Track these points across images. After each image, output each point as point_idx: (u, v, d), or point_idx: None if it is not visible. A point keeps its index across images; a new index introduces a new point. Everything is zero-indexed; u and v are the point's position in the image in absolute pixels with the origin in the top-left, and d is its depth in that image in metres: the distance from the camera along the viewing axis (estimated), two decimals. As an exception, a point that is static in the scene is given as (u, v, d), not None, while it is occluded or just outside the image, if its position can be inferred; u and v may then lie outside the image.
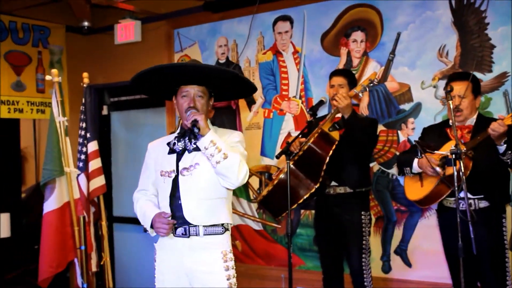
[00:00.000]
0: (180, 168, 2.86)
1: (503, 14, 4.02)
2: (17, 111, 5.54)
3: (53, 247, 4.48)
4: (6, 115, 5.45)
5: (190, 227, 2.83)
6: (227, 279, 2.84)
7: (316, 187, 3.67)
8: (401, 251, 4.46)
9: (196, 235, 2.83)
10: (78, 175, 4.64)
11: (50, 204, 4.51)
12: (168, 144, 2.96)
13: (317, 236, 4.17)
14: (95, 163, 4.67)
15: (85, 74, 4.75)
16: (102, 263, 4.78)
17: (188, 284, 2.89)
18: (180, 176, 2.86)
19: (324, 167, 3.65)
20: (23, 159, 5.95)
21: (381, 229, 4.54)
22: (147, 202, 3.00)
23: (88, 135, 4.69)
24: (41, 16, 5.76)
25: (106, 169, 5.48)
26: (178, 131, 3.01)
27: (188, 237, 2.84)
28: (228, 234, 2.93)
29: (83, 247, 4.55)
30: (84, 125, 4.71)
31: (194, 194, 2.84)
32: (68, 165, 4.55)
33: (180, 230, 2.84)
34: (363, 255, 3.87)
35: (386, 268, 4.52)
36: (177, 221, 2.83)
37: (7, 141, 5.57)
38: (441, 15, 4.27)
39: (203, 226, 2.83)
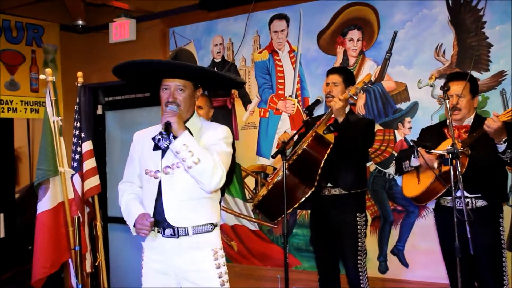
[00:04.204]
0: (162, 166, 2.80)
1: (501, 12, 4.04)
2: (10, 111, 5.54)
3: (47, 248, 4.45)
4: (0, 114, 5.45)
5: (179, 228, 2.78)
6: (219, 277, 2.81)
7: (312, 191, 3.64)
8: (398, 251, 4.46)
9: (185, 235, 2.79)
10: (73, 175, 4.59)
11: (44, 205, 4.46)
12: (153, 139, 2.82)
13: (313, 237, 4.17)
14: (90, 163, 4.62)
15: (79, 73, 4.71)
16: (96, 263, 4.74)
17: (177, 284, 2.86)
18: (162, 175, 2.80)
19: (319, 171, 3.62)
20: (17, 159, 5.95)
21: (377, 229, 4.55)
22: (132, 197, 2.95)
23: (82, 134, 4.65)
24: (35, 14, 5.77)
25: (101, 169, 5.42)
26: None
27: (177, 237, 2.79)
28: (217, 231, 2.90)
29: (77, 248, 4.51)
30: (78, 124, 4.66)
31: (175, 196, 2.79)
32: (62, 165, 4.51)
33: (168, 231, 2.80)
34: (359, 257, 3.85)
35: (383, 268, 4.53)
36: (163, 222, 2.79)
37: (1, 141, 5.57)
38: (438, 14, 4.28)
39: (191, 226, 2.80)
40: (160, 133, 2.79)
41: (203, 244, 2.81)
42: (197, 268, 2.80)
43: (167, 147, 2.79)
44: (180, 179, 2.77)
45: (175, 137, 2.67)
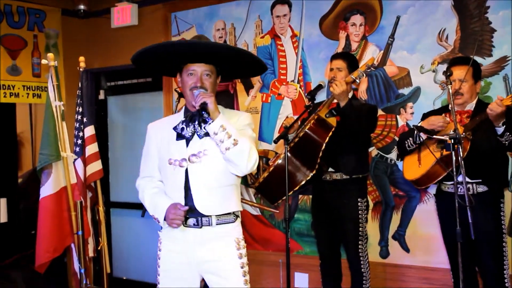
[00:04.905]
0: (188, 154, 2.74)
1: None
2: (13, 96, 5.55)
3: (50, 232, 4.51)
4: (2, 99, 5.46)
5: (203, 218, 2.74)
6: (241, 267, 2.78)
7: (313, 174, 3.64)
8: (399, 236, 4.48)
9: (209, 225, 2.75)
10: (75, 160, 4.64)
11: (47, 189, 4.53)
12: (175, 128, 2.80)
13: (314, 222, 4.20)
14: (92, 148, 4.67)
15: (81, 58, 4.75)
16: (99, 248, 4.81)
17: (198, 275, 2.81)
18: (189, 164, 2.74)
19: (321, 154, 3.62)
20: (19, 144, 5.99)
21: (379, 214, 4.56)
22: (156, 191, 2.88)
23: (84, 119, 4.68)
24: None
25: (103, 154, 5.51)
26: (182, 113, 2.88)
27: (200, 227, 2.74)
28: (239, 221, 2.87)
29: (80, 232, 4.57)
30: (80, 109, 4.70)
31: (205, 183, 2.74)
32: (64, 150, 4.56)
33: (191, 221, 2.75)
34: (360, 242, 3.88)
35: (384, 253, 4.55)
36: (190, 211, 2.74)
37: (3, 125, 5.59)
38: None
39: (215, 215, 2.75)
40: (183, 122, 2.78)
41: (225, 234, 2.78)
42: (219, 258, 2.76)
43: (192, 135, 2.76)
44: (208, 166, 2.73)
45: (205, 120, 2.64)
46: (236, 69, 3.05)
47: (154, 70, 3.17)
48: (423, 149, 3.62)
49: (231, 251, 2.78)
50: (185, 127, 2.78)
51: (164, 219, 2.76)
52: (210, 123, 2.63)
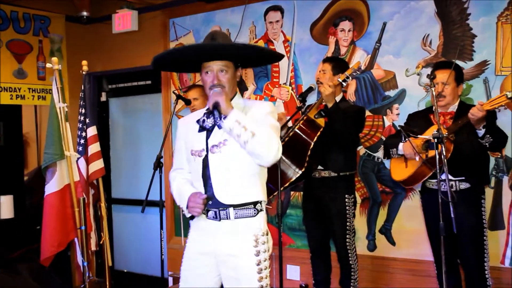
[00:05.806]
0: (209, 146, 2.72)
1: (485, 5, 4.09)
2: (19, 98, 5.56)
3: (54, 227, 4.57)
4: (8, 101, 5.48)
5: (221, 211, 2.71)
6: (257, 265, 2.69)
7: (302, 171, 3.70)
8: (386, 230, 4.55)
9: (227, 218, 2.72)
10: (78, 158, 4.70)
11: (51, 187, 4.60)
12: (198, 121, 2.80)
13: (305, 217, 4.25)
14: (94, 147, 4.73)
15: (84, 62, 4.81)
16: (101, 242, 4.87)
17: (215, 266, 2.78)
18: (210, 154, 2.72)
19: (309, 152, 3.68)
20: (25, 143, 5.99)
21: (366, 209, 4.61)
22: (183, 181, 2.89)
23: (87, 120, 4.75)
24: (42, 6, 5.79)
25: (105, 153, 5.55)
26: (206, 107, 2.84)
27: (219, 220, 2.72)
28: (261, 216, 2.77)
29: (83, 227, 4.64)
30: (83, 111, 4.76)
31: (224, 172, 2.70)
32: (68, 149, 4.62)
33: (211, 214, 2.74)
34: (347, 236, 3.94)
35: (371, 246, 4.61)
36: (210, 200, 2.72)
37: (10, 126, 5.61)
38: (425, 6, 4.32)
39: (234, 209, 2.70)
40: (205, 114, 2.78)
41: (243, 230, 2.72)
42: (235, 253, 2.70)
43: (213, 127, 2.74)
44: (228, 156, 2.69)
45: (224, 117, 2.61)
46: (253, 60, 3.03)
47: (176, 68, 3.15)
48: None
49: (247, 247, 2.71)
50: (205, 118, 2.78)
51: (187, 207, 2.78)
52: (224, 121, 2.60)
